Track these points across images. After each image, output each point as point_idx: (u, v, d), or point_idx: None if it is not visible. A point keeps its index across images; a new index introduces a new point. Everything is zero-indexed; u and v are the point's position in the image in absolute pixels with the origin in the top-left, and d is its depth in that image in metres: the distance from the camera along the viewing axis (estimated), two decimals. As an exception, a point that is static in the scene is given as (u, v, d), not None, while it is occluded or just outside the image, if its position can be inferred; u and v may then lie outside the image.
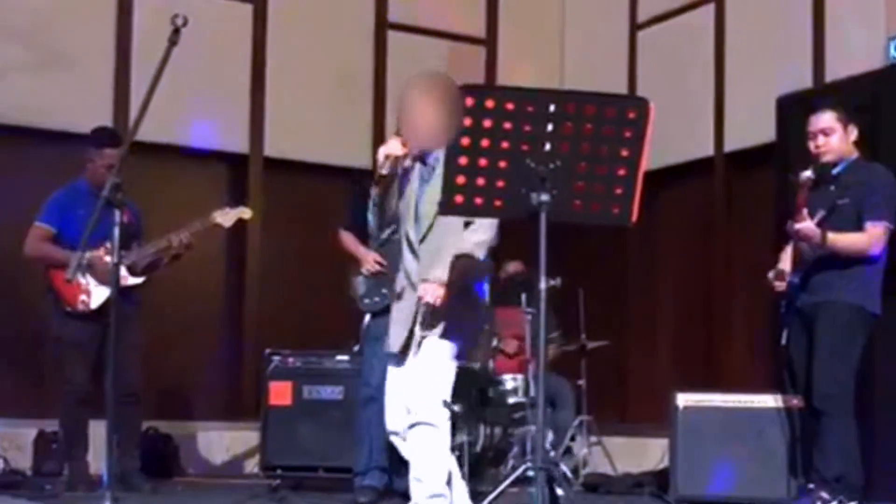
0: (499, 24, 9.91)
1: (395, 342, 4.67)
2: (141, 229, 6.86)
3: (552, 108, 3.89)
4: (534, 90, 4.03)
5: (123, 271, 6.41)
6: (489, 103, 3.88)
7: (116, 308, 5.10)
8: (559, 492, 4.02)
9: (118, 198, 4.67)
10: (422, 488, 4.52)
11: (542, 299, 4.01)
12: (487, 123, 3.88)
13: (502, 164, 3.93)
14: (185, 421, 8.40)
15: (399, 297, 4.72)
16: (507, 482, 4.11)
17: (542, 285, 3.98)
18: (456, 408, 4.69)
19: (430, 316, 4.53)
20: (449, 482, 4.55)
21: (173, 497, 6.90)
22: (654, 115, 3.93)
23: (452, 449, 4.75)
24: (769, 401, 6.41)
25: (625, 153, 3.95)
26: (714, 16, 8.83)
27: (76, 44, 8.33)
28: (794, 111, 7.16)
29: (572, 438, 7.99)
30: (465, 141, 3.91)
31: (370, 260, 6.43)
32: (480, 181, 3.96)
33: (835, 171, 5.87)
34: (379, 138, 8.79)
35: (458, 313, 4.59)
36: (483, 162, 3.93)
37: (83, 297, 6.63)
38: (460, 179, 3.95)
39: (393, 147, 4.54)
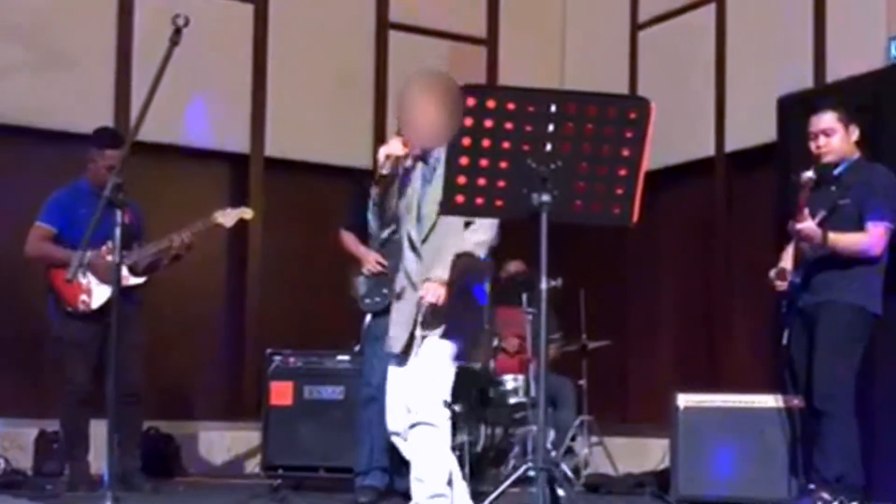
0: (500, 24, 9.91)
1: (395, 343, 4.67)
2: (142, 229, 6.86)
3: (553, 108, 3.90)
4: (535, 90, 4.03)
5: (124, 271, 6.42)
6: (490, 103, 3.88)
7: (117, 308, 5.10)
8: (560, 492, 4.02)
9: (120, 198, 4.67)
10: (423, 488, 4.52)
11: (543, 299, 4.01)
12: (489, 123, 3.88)
13: (503, 164, 3.93)
14: (186, 421, 8.40)
15: (399, 297, 4.73)
16: (509, 482, 4.11)
17: (543, 285, 3.98)
18: (456, 408, 4.70)
19: (432, 316, 4.53)
20: (450, 482, 4.55)
21: (174, 497, 6.90)
22: (654, 115, 3.93)
23: (453, 449, 4.76)
24: (770, 401, 6.41)
25: (626, 153, 3.95)
26: (715, 16, 8.83)
27: (77, 44, 8.33)
28: (795, 111, 7.16)
29: (573, 438, 7.99)
30: (467, 141, 3.91)
31: (371, 260, 6.43)
32: (481, 181, 3.96)
33: (836, 171, 5.87)
34: (380, 138, 8.79)
35: (459, 313, 4.59)
36: (484, 162, 3.93)
37: (84, 297, 6.63)
38: (461, 179, 3.96)
39: (394, 147, 4.54)
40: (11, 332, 7.92)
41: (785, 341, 5.96)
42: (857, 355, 5.77)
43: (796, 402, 6.21)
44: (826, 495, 5.64)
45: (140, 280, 6.71)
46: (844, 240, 5.70)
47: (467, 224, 4.62)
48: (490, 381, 7.55)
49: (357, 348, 6.93)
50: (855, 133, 5.89)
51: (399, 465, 5.74)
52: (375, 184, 4.64)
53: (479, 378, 7.29)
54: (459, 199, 3.99)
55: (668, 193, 8.96)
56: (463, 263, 4.58)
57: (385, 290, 5.99)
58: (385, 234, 5.53)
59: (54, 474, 7.13)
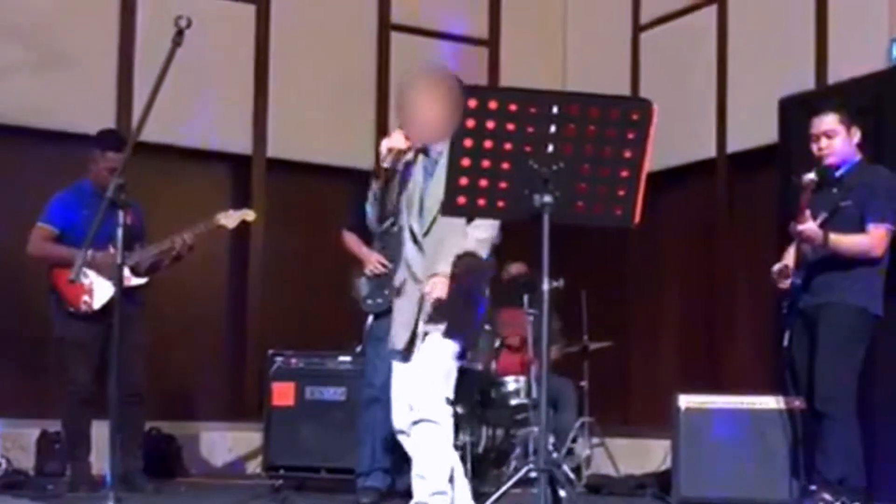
0: (501, 25, 9.92)
1: (399, 339, 4.66)
2: (144, 230, 6.87)
3: (555, 109, 3.90)
4: (537, 92, 4.03)
5: (126, 272, 6.43)
6: (492, 104, 3.88)
7: (119, 308, 5.11)
8: (562, 493, 4.02)
9: (122, 198, 4.68)
10: (424, 485, 4.52)
11: (545, 300, 4.01)
12: (490, 125, 3.88)
13: (505, 165, 3.93)
14: (187, 421, 8.41)
15: (399, 291, 4.71)
16: (510, 483, 4.11)
17: (545, 286, 3.98)
18: (458, 409, 4.69)
19: (436, 311, 4.53)
20: (451, 479, 4.56)
21: (176, 497, 6.90)
22: (656, 116, 3.93)
23: (455, 449, 4.75)
24: (771, 402, 6.41)
25: (628, 155, 3.95)
26: (717, 17, 8.83)
27: (79, 44, 8.34)
28: (796, 113, 7.16)
29: (574, 440, 7.99)
30: (469, 142, 3.91)
31: (373, 261, 6.43)
32: (483, 182, 3.96)
33: (837, 173, 5.88)
34: (381, 139, 8.78)
35: (461, 313, 4.59)
36: (486, 163, 3.93)
37: (86, 297, 6.63)
38: (463, 181, 3.96)
39: (396, 140, 4.54)
40: (13, 333, 7.93)
41: (786, 342, 5.96)
42: (859, 356, 5.78)
43: (797, 403, 6.21)
44: (828, 496, 5.64)
45: (142, 281, 6.72)
46: (846, 241, 5.71)
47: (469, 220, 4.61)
48: (491, 382, 7.56)
49: (359, 349, 6.94)
50: (856, 135, 5.89)
51: (401, 465, 5.74)
52: (376, 177, 4.64)
53: (481, 379, 7.29)
54: (461, 200, 3.99)
55: (670, 195, 8.96)
56: (465, 263, 4.57)
57: (387, 292, 5.99)
58: (383, 226, 5.49)
59: (56, 474, 7.13)
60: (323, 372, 7.22)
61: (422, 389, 4.53)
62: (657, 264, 9.33)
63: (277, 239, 8.90)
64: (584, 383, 8.10)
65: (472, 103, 3.88)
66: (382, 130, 9.14)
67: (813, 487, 5.79)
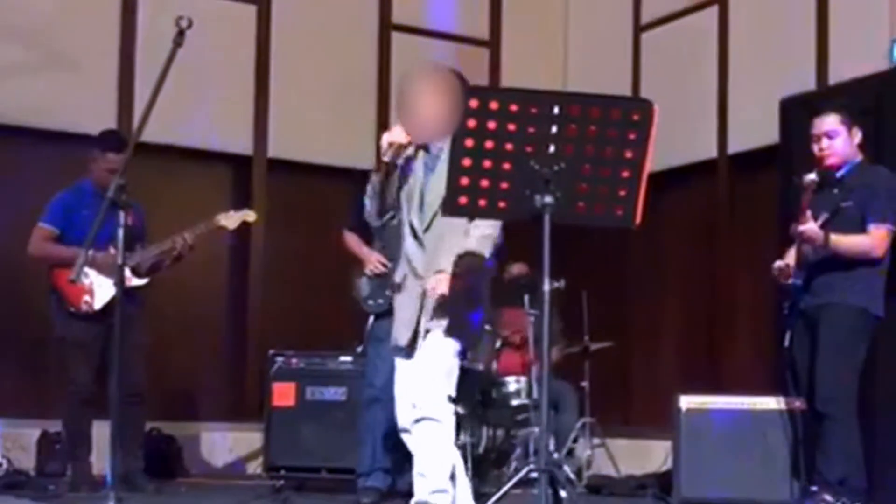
0: (502, 26, 9.92)
1: (401, 336, 4.65)
2: (145, 230, 6.87)
3: (556, 109, 3.89)
4: (538, 92, 4.03)
5: (127, 272, 6.43)
6: (493, 105, 3.88)
7: (120, 309, 5.11)
8: (562, 493, 4.02)
9: (123, 199, 4.68)
10: (425, 483, 4.52)
11: (545, 300, 4.01)
12: (492, 125, 3.88)
13: (506, 165, 3.93)
14: (188, 421, 8.41)
15: (400, 287, 4.71)
16: (511, 483, 4.11)
17: (546, 287, 3.98)
18: (459, 409, 4.69)
19: (438, 308, 4.52)
20: (452, 477, 4.55)
21: (177, 498, 6.90)
22: (657, 117, 3.93)
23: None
24: (772, 403, 6.41)
25: (629, 155, 3.95)
26: (718, 18, 8.83)
27: (80, 44, 8.34)
28: (797, 113, 7.16)
29: (575, 440, 7.99)
30: (470, 142, 3.91)
31: (374, 261, 6.43)
32: (484, 183, 3.96)
33: (839, 174, 5.88)
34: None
35: (462, 312, 4.58)
36: (487, 164, 3.93)
37: (86, 297, 6.64)
38: (464, 181, 3.95)
39: (397, 135, 4.53)
40: (13, 333, 7.93)
41: (787, 343, 5.97)
42: (859, 357, 5.78)
43: (798, 403, 6.21)
44: (828, 497, 5.64)
45: (142, 281, 6.73)
46: (846, 242, 5.70)
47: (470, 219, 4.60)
48: (492, 382, 7.56)
49: (359, 349, 6.94)
50: (858, 135, 5.89)
51: (401, 465, 5.75)
52: (376, 171, 4.64)
53: (482, 379, 7.29)
54: (462, 200, 3.99)
55: (671, 195, 8.96)
56: (465, 263, 4.57)
57: (388, 292, 5.98)
58: (382, 220, 5.49)
59: (57, 475, 7.13)
60: (324, 372, 7.23)
61: (424, 388, 4.53)
62: (658, 265, 9.33)
63: (278, 239, 8.90)
64: (584, 384, 8.10)
65: (474, 103, 3.88)
66: (383, 131, 9.09)
67: (814, 488, 5.79)
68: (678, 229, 9.15)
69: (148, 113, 4.63)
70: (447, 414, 4.53)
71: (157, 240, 6.77)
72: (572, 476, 7.47)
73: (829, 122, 5.86)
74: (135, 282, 6.65)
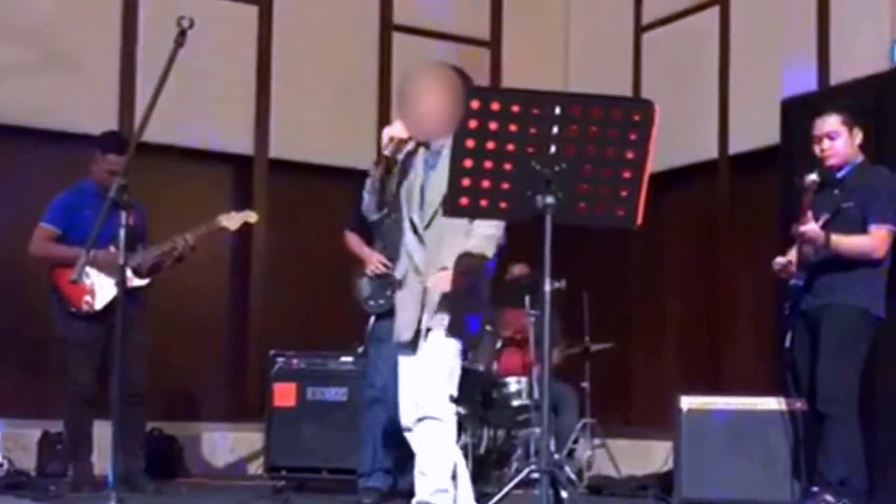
0: (503, 26, 9.92)
1: (404, 331, 4.64)
2: (146, 231, 6.87)
3: (557, 110, 3.89)
4: (539, 92, 4.03)
5: (128, 272, 6.43)
6: (494, 105, 3.88)
7: (121, 309, 5.11)
8: (563, 494, 4.02)
9: (125, 199, 4.68)
10: (426, 482, 4.52)
11: (546, 301, 4.01)
12: (493, 126, 3.88)
13: (507, 166, 3.93)
14: (189, 422, 8.41)
15: (401, 284, 4.70)
16: (512, 484, 4.11)
17: (547, 287, 3.98)
18: (460, 409, 4.68)
19: (440, 306, 4.52)
20: (454, 476, 4.55)
21: (177, 498, 6.91)
22: (658, 117, 3.93)
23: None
24: (773, 404, 6.42)
25: (630, 155, 3.95)
26: (719, 18, 8.83)
27: (81, 44, 8.34)
28: (798, 114, 7.16)
29: (576, 441, 7.98)
30: (471, 143, 3.91)
31: (375, 261, 6.43)
32: (486, 183, 3.96)
33: (840, 174, 5.88)
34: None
35: (462, 312, 4.58)
36: (488, 164, 3.93)
37: (88, 297, 6.64)
38: (466, 181, 3.95)
39: (397, 130, 4.53)
40: (14, 333, 7.94)
41: (788, 344, 5.97)
42: (860, 358, 5.78)
43: (799, 404, 6.21)
44: (829, 498, 5.64)
45: (144, 282, 6.73)
46: (847, 242, 5.70)
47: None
48: (493, 383, 7.56)
49: (360, 350, 6.94)
50: (859, 136, 5.89)
51: (402, 465, 5.74)
52: (376, 165, 4.64)
53: (483, 380, 7.29)
54: (464, 201, 3.99)
55: (672, 196, 8.96)
56: (466, 263, 4.56)
57: (389, 292, 5.99)
58: (380, 215, 5.48)
59: (58, 475, 7.13)
60: (324, 372, 7.23)
61: (426, 387, 4.53)
62: (659, 265, 9.33)
63: (279, 239, 8.90)
64: (585, 384, 8.10)
65: (475, 104, 3.88)
66: (384, 131, 9.14)
67: (815, 489, 5.79)
68: (679, 230, 9.15)
69: (149, 113, 4.63)
70: (449, 413, 4.53)
71: (158, 240, 6.77)
72: (573, 477, 7.46)
73: (831, 122, 5.86)
74: (136, 282, 6.64)
